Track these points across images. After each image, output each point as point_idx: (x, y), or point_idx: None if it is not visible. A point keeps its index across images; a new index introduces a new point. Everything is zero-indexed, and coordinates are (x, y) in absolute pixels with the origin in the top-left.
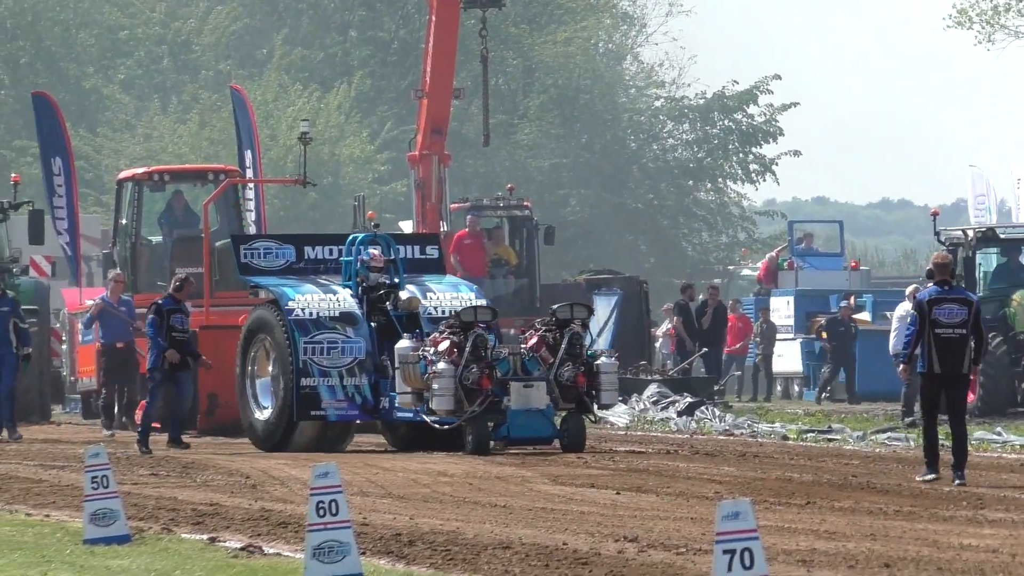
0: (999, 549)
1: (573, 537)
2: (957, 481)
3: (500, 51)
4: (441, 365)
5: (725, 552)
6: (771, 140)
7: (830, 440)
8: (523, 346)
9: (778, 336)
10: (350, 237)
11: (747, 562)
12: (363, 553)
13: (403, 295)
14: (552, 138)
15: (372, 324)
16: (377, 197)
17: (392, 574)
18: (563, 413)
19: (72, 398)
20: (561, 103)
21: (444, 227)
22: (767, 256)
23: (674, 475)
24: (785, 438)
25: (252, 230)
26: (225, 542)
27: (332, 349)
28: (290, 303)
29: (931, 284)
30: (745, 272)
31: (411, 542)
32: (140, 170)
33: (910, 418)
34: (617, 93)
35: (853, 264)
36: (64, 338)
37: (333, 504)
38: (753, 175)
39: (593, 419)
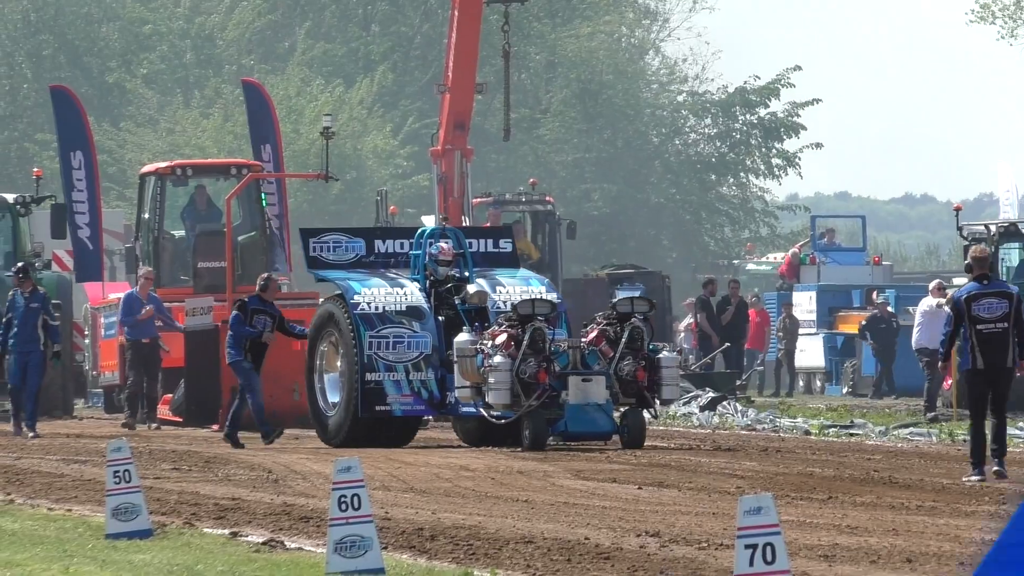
0: None
1: (595, 532)
2: (996, 468)
3: (522, 46)
4: (497, 359)
5: (747, 547)
6: (793, 135)
7: (852, 435)
8: (583, 340)
9: (800, 331)
10: (419, 231)
11: (769, 557)
12: (385, 548)
13: (471, 289)
14: (574, 133)
15: (440, 318)
16: (400, 191)
17: (414, 569)
18: (623, 408)
19: (94, 392)
20: (583, 98)
21: (466, 222)
22: (790, 251)
23: (696, 470)
24: (807, 433)
25: (276, 224)
26: (247, 536)
27: (398, 343)
28: (356, 297)
29: (969, 280)
30: (750, 267)
31: (433, 536)
32: (163, 164)
33: (932, 413)
34: (639, 88)
35: (875, 259)
36: (86, 332)
37: (355, 498)
38: (776, 169)
39: (653, 414)
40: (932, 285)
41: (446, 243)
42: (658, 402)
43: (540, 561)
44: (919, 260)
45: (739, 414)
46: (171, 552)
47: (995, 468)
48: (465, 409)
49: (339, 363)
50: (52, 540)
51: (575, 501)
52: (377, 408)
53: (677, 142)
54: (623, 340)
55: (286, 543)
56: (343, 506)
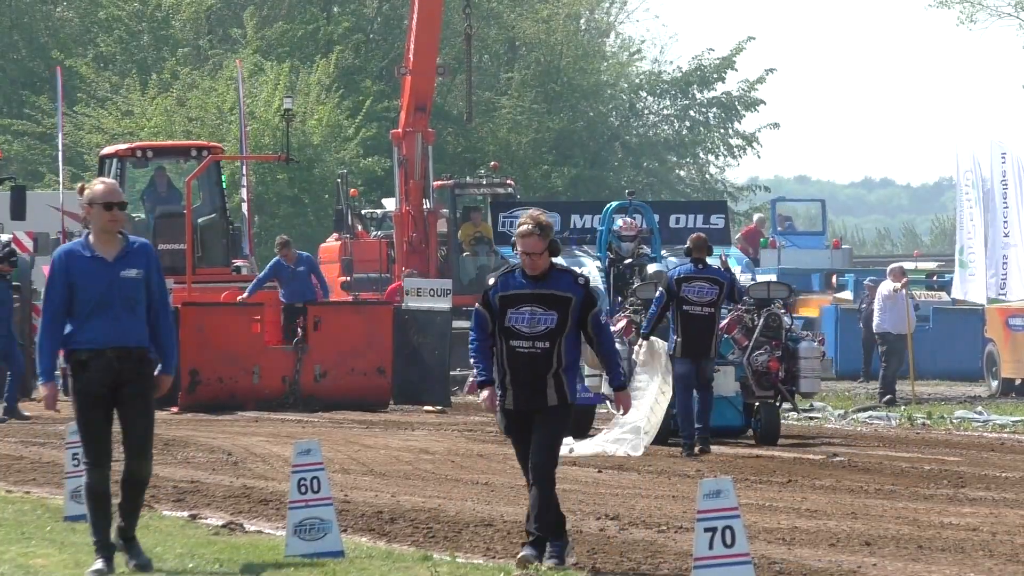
0: (979, 527)
1: None
2: (700, 446)
3: (482, 27)
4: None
5: (706, 530)
6: (752, 110)
7: (811, 419)
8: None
9: None
10: (607, 205)
11: (728, 540)
12: (344, 530)
13: (650, 268)
14: (534, 114)
15: (619, 298)
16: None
17: (373, 551)
18: (761, 401)
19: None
20: (543, 79)
21: (427, 205)
22: (755, 217)
23: (656, 453)
24: None
25: (244, 208)
26: (206, 519)
27: None
28: None
29: (688, 262)
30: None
31: (393, 519)
32: (123, 146)
33: (888, 396)
34: (599, 70)
35: (835, 243)
36: None
37: (315, 481)
38: (735, 150)
39: (794, 408)
40: (891, 268)
41: (629, 218)
42: (797, 396)
43: (500, 544)
44: (873, 245)
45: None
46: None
47: (699, 446)
48: (584, 396)
49: None
50: (10, 522)
51: None
52: None
53: (636, 123)
54: (758, 328)
55: (245, 526)
56: (302, 489)
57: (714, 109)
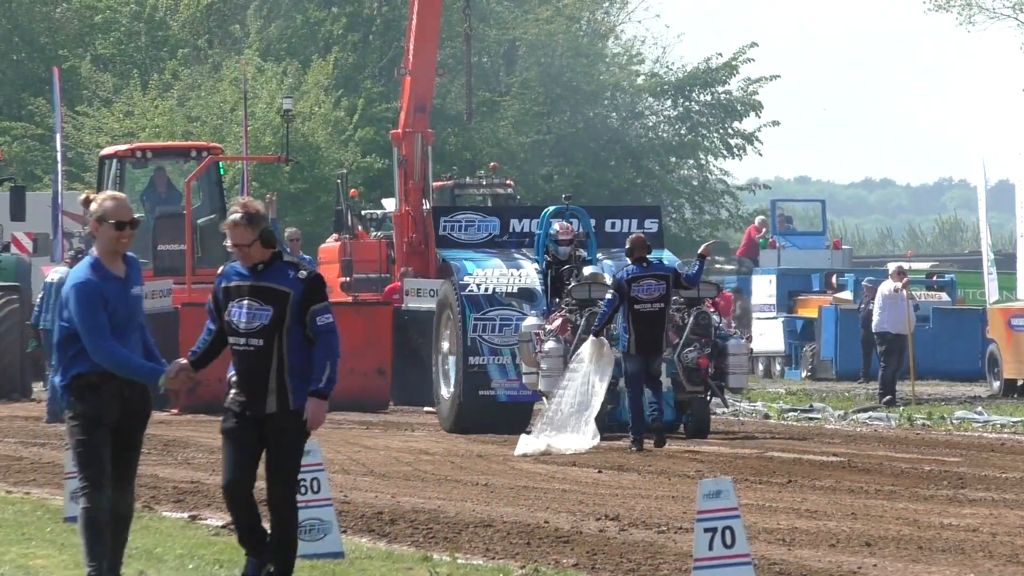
0: (979, 528)
1: (555, 515)
2: (640, 439)
3: (482, 28)
4: (550, 344)
5: (706, 531)
6: (752, 112)
7: (811, 419)
8: (548, 326)
9: (760, 315)
10: (544, 210)
11: (728, 540)
12: (344, 531)
13: (587, 271)
14: (535, 116)
15: (556, 300)
16: (361, 174)
17: (373, 552)
18: (692, 396)
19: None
20: (544, 81)
21: (427, 205)
22: (756, 220)
23: (655, 453)
24: (767, 417)
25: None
26: (206, 520)
27: (505, 326)
28: (466, 278)
29: (631, 263)
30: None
31: (393, 520)
32: (123, 147)
33: (888, 397)
34: (599, 71)
35: (835, 243)
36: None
37: (315, 482)
38: (735, 149)
39: (724, 403)
40: (892, 269)
41: (566, 222)
42: (727, 391)
43: (500, 545)
44: (875, 245)
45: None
46: (130, 535)
47: (644, 440)
48: (513, 394)
49: (448, 345)
50: (10, 523)
51: (535, 485)
52: (480, 393)
53: (637, 125)
54: (688, 326)
55: None
56: (303, 490)
57: (714, 111)
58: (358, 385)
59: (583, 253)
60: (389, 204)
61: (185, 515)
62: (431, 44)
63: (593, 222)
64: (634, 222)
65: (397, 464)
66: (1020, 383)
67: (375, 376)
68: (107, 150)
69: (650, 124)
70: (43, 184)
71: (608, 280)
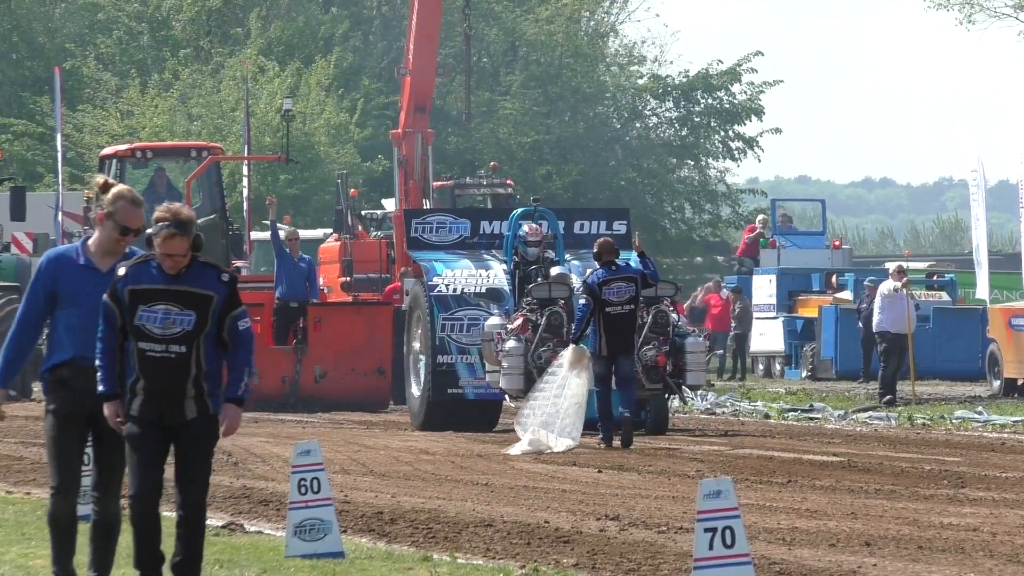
0: (980, 528)
1: (555, 515)
2: (611, 436)
3: (482, 28)
4: (511, 343)
5: (706, 530)
6: (754, 117)
7: (811, 419)
8: (510, 326)
9: (760, 315)
10: (513, 212)
11: (728, 540)
12: (344, 531)
13: (554, 271)
14: (535, 115)
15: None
16: (362, 175)
17: (374, 552)
18: (649, 394)
19: None
20: (543, 80)
21: (427, 205)
22: (757, 219)
23: (655, 453)
24: (767, 417)
25: (245, 207)
26: (207, 520)
27: (473, 326)
28: (435, 279)
29: (600, 267)
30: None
31: (393, 520)
32: (123, 147)
33: (888, 396)
34: (600, 71)
35: (835, 243)
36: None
37: (315, 482)
38: (735, 152)
39: (682, 400)
40: (892, 268)
41: (535, 224)
42: (686, 389)
43: (500, 544)
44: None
45: (699, 398)
46: (129, 536)
47: (613, 437)
48: (481, 392)
49: (418, 345)
50: (10, 523)
51: (535, 484)
52: (449, 391)
53: (637, 125)
54: (647, 324)
55: (245, 526)
56: (303, 489)
57: (716, 114)
58: (358, 385)
59: (551, 254)
60: (389, 204)
61: None
62: (431, 44)
63: (562, 224)
64: (602, 224)
65: (397, 464)
66: (1020, 383)
67: (375, 376)
68: (107, 150)
69: (651, 124)
70: (43, 184)
71: (575, 280)
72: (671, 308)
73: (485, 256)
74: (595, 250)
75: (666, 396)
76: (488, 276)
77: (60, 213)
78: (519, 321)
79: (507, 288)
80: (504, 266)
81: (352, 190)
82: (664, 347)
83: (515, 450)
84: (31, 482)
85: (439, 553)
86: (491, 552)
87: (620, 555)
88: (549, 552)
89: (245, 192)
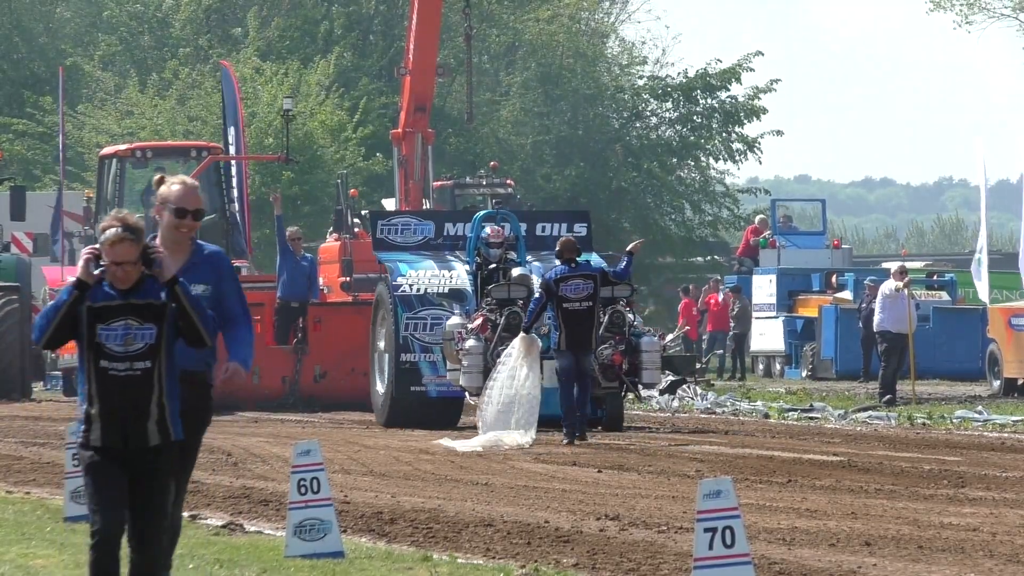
0: (980, 527)
1: (555, 515)
2: (578, 433)
3: (482, 28)
4: (470, 342)
5: (706, 530)
6: (755, 118)
7: (811, 419)
8: (471, 325)
9: (760, 314)
10: (476, 214)
11: (728, 540)
12: (344, 531)
13: (515, 272)
14: (535, 116)
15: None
16: (362, 174)
17: (373, 552)
18: (607, 392)
19: (53, 375)
20: (544, 81)
21: (427, 205)
22: (756, 219)
23: (655, 453)
24: (767, 416)
25: (236, 207)
26: (206, 520)
27: (436, 325)
28: (399, 279)
29: (559, 263)
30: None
31: (393, 520)
32: (123, 147)
33: (888, 396)
34: (600, 71)
35: (835, 243)
36: None
37: (315, 482)
38: (736, 154)
39: (638, 398)
40: (893, 268)
41: (497, 226)
42: (641, 387)
43: (500, 544)
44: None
45: (699, 398)
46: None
47: (576, 433)
48: (443, 390)
49: (383, 343)
50: (11, 523)
51: (535, 484)
52: (412, 389)
53: (638, 125)
54: (603, 324)
55: (245, 526)
56: (302, 489)
57: (717, 115)
58: (358, 385)
59: (513, 255)
60: (389, 204)
61: (185, 515)
62: (431, 44)
63: (524, 226)
64: (563, 227)
65: (397, 464)
66: (1020, 382)
67: None
68: (107, 150)
69: (651, 124)
70: (43, 184)
71: (535, 281)
72: (627, 308)
73: (449, 257)
74: (557, 248)
75: (622, 394)
76: (451, 277)
77: (60, 213)
78: (479, 321)
79: (469, 289)
80: (467, 267)
81: (352, 190)
82: (620, 346)
83: (462, 446)
84: (31, 482)
85: (439, 553)
86: (491, 552)
87: (620, 555)
88: (549, 552)
89: (236, 193)
